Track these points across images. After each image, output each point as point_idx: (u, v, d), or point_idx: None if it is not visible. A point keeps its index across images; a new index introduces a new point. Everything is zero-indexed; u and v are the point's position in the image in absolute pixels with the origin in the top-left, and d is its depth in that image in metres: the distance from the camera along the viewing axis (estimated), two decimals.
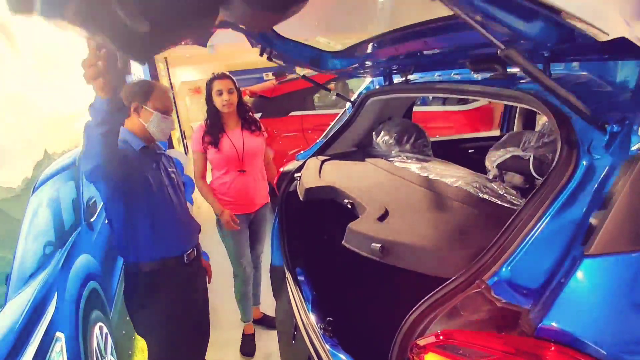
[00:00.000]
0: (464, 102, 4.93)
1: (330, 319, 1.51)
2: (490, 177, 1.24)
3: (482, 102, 4.87)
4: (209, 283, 1.96)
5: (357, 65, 1.66)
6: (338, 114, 4.39)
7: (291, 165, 1.98)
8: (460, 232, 0.93)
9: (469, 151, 2.52)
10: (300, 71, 1.80)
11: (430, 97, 4.86)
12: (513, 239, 0.81)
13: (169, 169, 1.75)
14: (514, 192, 1.10)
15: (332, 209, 2.09)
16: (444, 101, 5.04)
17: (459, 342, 0.68)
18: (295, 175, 1.94)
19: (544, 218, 0.80)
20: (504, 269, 0.79)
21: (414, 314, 0.81)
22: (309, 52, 1.61)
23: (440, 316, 0.78)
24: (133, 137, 1.63)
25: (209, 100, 2.28)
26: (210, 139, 2.26)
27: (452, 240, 0.91)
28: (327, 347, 1.35)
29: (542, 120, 2.59)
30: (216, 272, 2.11)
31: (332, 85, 5.12)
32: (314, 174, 1.72)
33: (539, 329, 0.63)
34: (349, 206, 1.37)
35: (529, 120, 2.59)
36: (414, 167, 1.57)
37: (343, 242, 1.14)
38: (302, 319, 1.55)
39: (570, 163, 0.83)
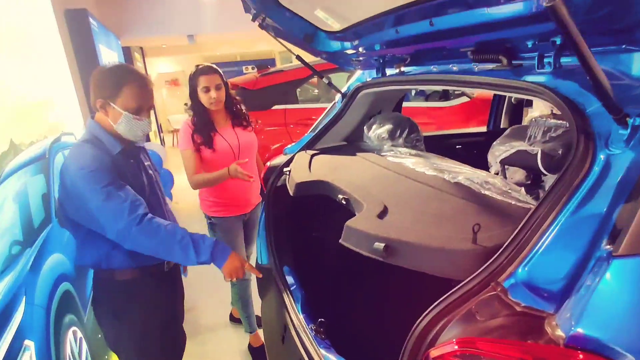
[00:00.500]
0: (446, 98, 4.94)
1: (322, 319, 1.45)
2: (492, 172, 1.20)
3: (464, 98, 4.90)
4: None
5: (351, 50, 1.59)
6: (321, 108, 4.34)
7: (279, 159, 1.90)
8: (469, 231, 0.88)
9: (457, 147, 2.49)
10: (296, 50, 1.69)
11: (413, 93, 4.85)
12: (529, 237, 0.76)
13: (147, 166, 1.57)
14: (519, 188, 1.06)
15: (321, 205, 2.03)
16: (427, 97, 5.04)
17: (480, 351, 0.63)
18: (284, 169, 1.87)
19: (561, 215, 0.75)
20: (520, 270, 0.74)
21: (424, 319, 0.76)
22: (304, 26, 1.52)
23: (454, 322, 0.73)
24: (107, 136, 1.40)
25: (193, 96, 2.07)
26: (202, 139, 2.06)
27: (462, 239, 0.86)
28: (320, 349, 1.29)
29: (528, 116, 2.60)
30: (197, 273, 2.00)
31: (314, 81, 5.05)
32: (304, 168, 1.65)
33: (570, 337, 0.58)
34: (343, 202, 1.31)
35: (516, 117, 2.60)
36: (409, 162, 1.51)
37: (340, 240, 1.07)
38: (291, 320, 1.48)
39: (587, 157, 0.79)
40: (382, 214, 1.09)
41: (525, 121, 2.47)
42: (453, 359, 0.64)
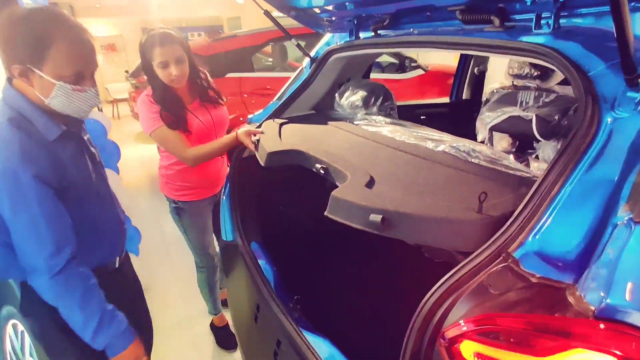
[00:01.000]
0: (402, 70, 4.94)
1: (298, 297, 1.39)
2: (479, 140, 1.16)
3: (420, 71, 4.93)
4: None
5: (321, 7, 1.46)
6: (279, 78, 4.14)
7: (243, 129, 1.75)
8: (469, 201, 0.83)
9: (421, 117, 2.48)
10: (264, 5, 1.52)
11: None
12: (539, 205, 0.72)
13: (88, 142, 1.22)
14: (507, 155, 1.03)
15: (291, 177, 1.93)
16: (383, 69, 5.00)
17: (505, 328, 0.58)
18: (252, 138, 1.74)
19: (570, 181, 0.72)
20: (530, 240, 0.70)
21: (432, 296, 0.70)
22: None
23: (465, 297, 0.68)
24: (40, 115, 1.04)
25: (149, 71, 1.70)
26: (173, 120, 1.72)
27: (466, 209, 0.81)
28: (299, 328, 1.23)
29: (489, 88, 2.63)
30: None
31: (267, 50, 4.81)
32: (275, 137, 1.53)
33: (600, 309, 0.55)
34: (322, 172, 1.22)
35: (478, 88, 2.62)
36: (385, 130, 1.45)
37: (327, 212, 0.99)
38: (265, 299, 1.40)
39: (593, 121, 0.76)
40: (370, 184, 1.02)
41: (486, 94, 2.50)
42: (474, 336, 0.59)
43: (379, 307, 1.65)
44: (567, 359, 0.54)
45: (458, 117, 2.52)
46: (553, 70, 1.10)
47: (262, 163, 1.43)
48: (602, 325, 0.53)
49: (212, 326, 2.33)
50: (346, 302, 1.70)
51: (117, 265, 1.29)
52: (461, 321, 0.63)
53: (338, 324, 1.46)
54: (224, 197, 1.81)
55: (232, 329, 2.21)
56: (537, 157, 1.02)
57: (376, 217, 0.84)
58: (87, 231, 1.14)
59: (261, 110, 1.94)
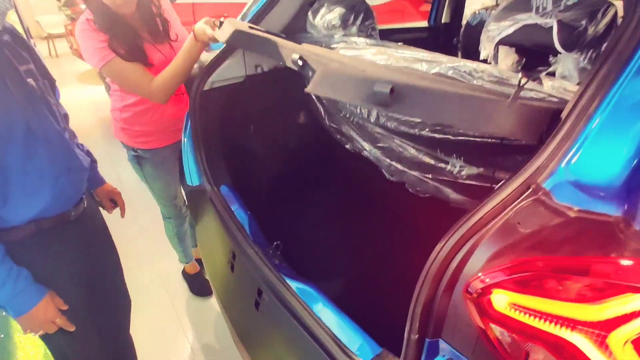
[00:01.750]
0: None
1: (278, 242, 1.27)
2: (482, 57, 1.01)
3: None
4: (122, 217, 1.45)
5: None
6: (237, 4, 3.71)
7: (204, 57, 1.51)
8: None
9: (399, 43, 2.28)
10: None
11: None
12: (573, 126, 0.60)
13: (30, 72, 0.99)
14: (516, 74, 0.89)
15: (260, 108, 1.74)
16: None
17: (546, 273, 0.48)
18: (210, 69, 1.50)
19: (611, 95, 0.60)
20: (563, 166, 0.59)
21: (450, 239, 0.59)
22: None
23: (489, 239, 0.57)
24: None
25: None
26: (127, 50, 1.42)
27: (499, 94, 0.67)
28: (281, 275, 1.12)
29: (470, 10, 2.44)
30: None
31: None
32: (243, 25, 1.30)
33: None
34: (299, 64, 0.99)
35: (458, 11, 2.42)
36: (368, 53, 1.26)
37: (309, 89, 0.82)
38: (240, 245, 1.28)
39: None
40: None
41: (467, 16, 2.31)
42: (510, 286, 0.49)
43: (365, 251, 1.58)
44: (626, 306, 0.45)
45: (437, 42, 2.34)
46: None
47: (222, 39, 1.21)
48: None
49: (185, 274, 2.22)
50: (331, 246, 1.61)
51: (72, 217, 1.09)
52: (488, 269, 0.53)
53: (324, 270, 1.38)
54: (185, 138, 1.61)
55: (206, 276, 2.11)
56: (549, 74, 0.90)
57: (383, 87, 0.69)
58: (27, 175, 0.95)
59: None
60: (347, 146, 1.67)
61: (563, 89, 0.82)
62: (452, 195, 1.32)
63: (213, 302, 2.12)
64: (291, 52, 0.99)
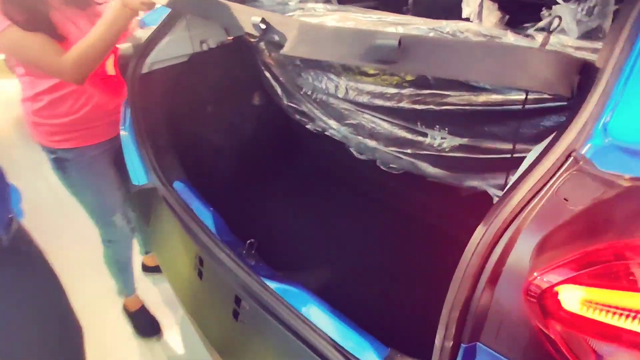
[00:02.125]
0: None
1: (252, 240, 1.12)
2: (464, 15, 0.92)
3: None
4: None
5: None
6: None
7: (138, 34, 1.29)
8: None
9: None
10: None
11: None
12: (612, 80, 0.52)
13: None
14: (504, 31, 0.81)
15: (211, 91, 1.55)
16: None
17: (625, 260, 0.40)
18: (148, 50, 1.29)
19: None
20: (605, 129, 0.51)
21: (491, 226, 0.49)
22: None
23: (532, 225, 0.48)
24: None
25: None
26: (27, 17, 1.13)
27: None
28: (260, 277, 0.99)
29: None
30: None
31: None
32: None
33: None
34: (262, 27, 0.84)
35: None
36: (330, 19, 1.13)
37: (285, 50, 0.70)
38: (207, 248, 1.12)
39: None
40: None
41: None
42: (584, 280, 0.40)
43: (344, 236, 1.47)
44: None
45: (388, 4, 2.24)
46: None
47: (162, 2, 1.02)
48: None
49: (126, 311, 1.83)
50: (308, 235, 1.49)
51: (5, 243, 0.87)
52: (546, 261, 0.43)
53: (306, 264, 1.27)
54: (125, 131, 1.39)
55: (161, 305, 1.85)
56: (538, 30, 0.82)
57: (389, 42, 0.57)
58: None
59: (156, 9, 1.45)
60: (309, 126, 1.54)
61: (561, 44, 0.75)
62: (429, 169, 1.25)
63: (165, 341, 1.82)
64: (250, 16, 0.83)
